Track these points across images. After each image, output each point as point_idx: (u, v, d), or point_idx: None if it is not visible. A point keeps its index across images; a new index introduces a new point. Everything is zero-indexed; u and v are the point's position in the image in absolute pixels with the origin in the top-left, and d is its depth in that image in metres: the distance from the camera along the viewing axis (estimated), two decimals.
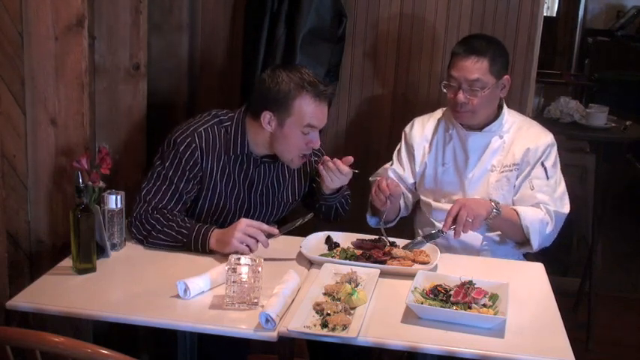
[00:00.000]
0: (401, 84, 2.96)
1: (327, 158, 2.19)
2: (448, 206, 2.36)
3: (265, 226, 2.07)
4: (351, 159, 2.18)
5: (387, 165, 2.51)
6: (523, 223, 2.23)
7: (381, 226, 2.26)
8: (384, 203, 2.22)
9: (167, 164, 2.15)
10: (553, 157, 2.33)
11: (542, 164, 2.30)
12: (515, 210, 2.26)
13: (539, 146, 2.31)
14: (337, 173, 2.17)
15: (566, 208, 2.31)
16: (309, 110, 2.12)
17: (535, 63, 2.86)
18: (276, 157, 2.24)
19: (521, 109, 2.63)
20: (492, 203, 2.19)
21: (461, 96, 2.24)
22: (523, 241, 2.29)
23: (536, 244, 2.25)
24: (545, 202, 2.27)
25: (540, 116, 3.38)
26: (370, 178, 2.53)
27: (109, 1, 2.52)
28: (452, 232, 2.14)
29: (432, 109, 2.53)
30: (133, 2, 2.53)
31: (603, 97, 4.70)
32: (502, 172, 2.32)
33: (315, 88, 2.12)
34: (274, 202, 2.32)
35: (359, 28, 2.94)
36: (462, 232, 2.13)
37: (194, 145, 2.14)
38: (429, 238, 2.19)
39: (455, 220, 2.12)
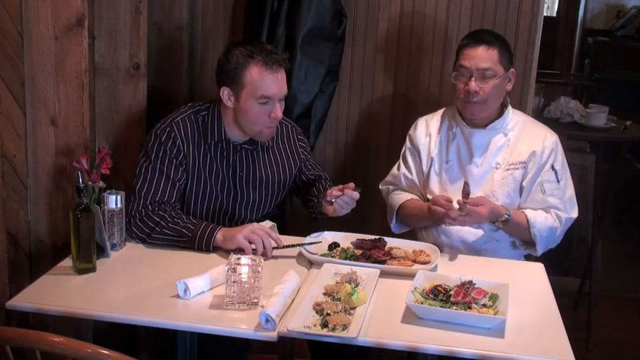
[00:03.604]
0: (401, 84, 2.95)
1: (337, 193, 2.13)
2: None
3: (274, 235, 2.08)
4: (352, 185, 2.15)
5: (395, 171, 2.50)
6: (532, 231, 2.26)
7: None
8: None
9: (153, 157, 2.17)
10: (561, 158, 2.34)
11: (553, 167, 2.31)
12: (525, 216, 2.28)
13: (546, 148, 2.31)
14: (350, 201, 2.15)
15: (574, 213, 2.34)
16: (260, 79, 2.12)
17: (535, 63, 2.85)
18: (255, 142, 2.25)
19: (521, 109, 2.62)
20: (505, 211, 2.22)
21: (473, 84, 2.23)
22: (529, 241, 2.32)
23: (540, 250, 2.31)
24: (556, 207, 2.30)
25: (540, 116, 3.38)
26: (380, 186, 2.54)
27: (109, 1, 2.52)
28: (456, 206, 2.16)
29: (433, 109, 2.53)
30: (133, 2, 2.54)
31: (603, 97, 4.70)
32: (508, 169, 2.32)
33: (264, 56, 2.12)
34: (261, 190, 2.32)
35: (359, 28, 2.94)
36: (460, 218, 2.15)
37: (174, 134, 2.18)
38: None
39: (463, 205, 2.13)
